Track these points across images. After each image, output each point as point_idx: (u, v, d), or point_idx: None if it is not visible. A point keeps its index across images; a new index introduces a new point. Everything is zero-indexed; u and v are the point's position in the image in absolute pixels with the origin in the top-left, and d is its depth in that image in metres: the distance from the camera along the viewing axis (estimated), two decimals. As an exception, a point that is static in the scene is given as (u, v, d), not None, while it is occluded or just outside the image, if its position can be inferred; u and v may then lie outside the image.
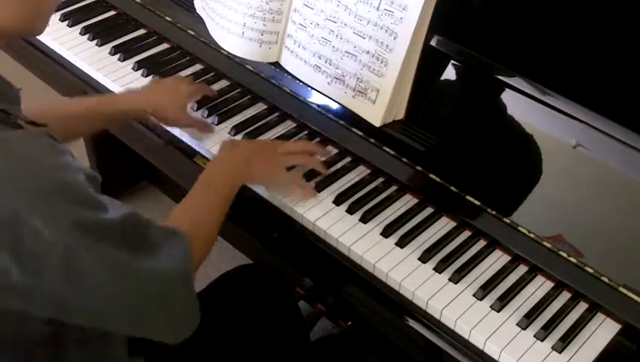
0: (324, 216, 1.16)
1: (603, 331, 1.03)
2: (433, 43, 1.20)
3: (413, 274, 1.08)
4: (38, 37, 1.51)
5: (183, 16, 1.50)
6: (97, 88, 1.45)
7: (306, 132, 1.33)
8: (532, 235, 1.09)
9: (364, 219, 1.16)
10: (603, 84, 1.13)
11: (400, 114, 1.24)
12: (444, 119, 1.25)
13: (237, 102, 1.38)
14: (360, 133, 1.26)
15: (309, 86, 1.32)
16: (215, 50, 1.42)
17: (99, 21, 1.58)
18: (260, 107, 1.38)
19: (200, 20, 1.45)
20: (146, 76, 1.44)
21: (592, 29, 1.16)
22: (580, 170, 1.11)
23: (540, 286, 1.08)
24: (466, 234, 1.15)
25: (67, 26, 1.56)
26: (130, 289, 0.82)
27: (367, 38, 1.22)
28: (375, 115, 1.23)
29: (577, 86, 1.13)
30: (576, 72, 1.16)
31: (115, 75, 1.44)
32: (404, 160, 1.21)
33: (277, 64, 1.36)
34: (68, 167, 0.79)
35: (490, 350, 1.00)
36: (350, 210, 1.17)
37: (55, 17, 1.56)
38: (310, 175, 1.23)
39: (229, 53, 1.39)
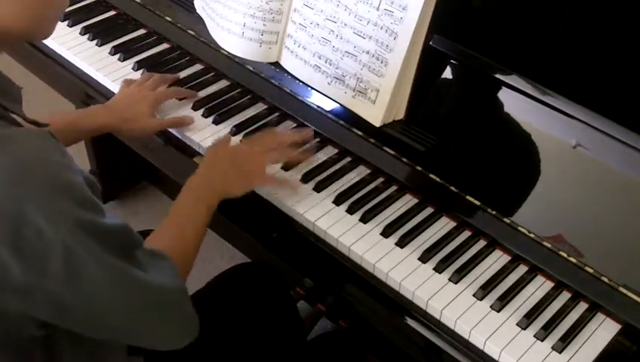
0: (324, 216, 1.16)
1: (603, 331, 1.03)
2: (433, 43, 1.20)
3: (413, 274, 1.08)
4: (38, 37, 1.51)
5: (183, 16, 1.50)
6: (97, 88, 1.44)
7: (306, 132, 1.33)
8: (532, 235, 1.09)
9: (364, 219, 1.16)
10: (603, 84, 1.13)
11: (400, 114, 1.24)
12: (444, 119, 1.25)
13: (237, 102, 1.38)
14: (360, 133, 1.26)
15: (309, 86, 1.32)
16: (215, 50, 1.42)
17: (99, 21, 1.58)
18: (259, 107, 1.38)
19: (200, 20, 1.45)
20: (146, 76, 1.44)
21: (591, 28, 1.16)
22: (580, 170, 1.11)
23: (540, 286, 1.08)
24: (466, 234, 1.15)
25: (67, 25, 1.55)
26: (128, 296, 0.81)
27: (367, 38, 1.22)
28: (375, 114, 1.23)
29: (577, 86, 1.13)
30: (576, 72, 1.16)
31: (115, 75, 1.44)
32: (404, 160, 1.21)
33: (277, 64, 1.36)
34: (70, 168, 0.79)
35: (490, 350, 1.00)
36: (350, 210, 1.17)
37: (55, 17, 1.56)
38: (310, 174, 1.23)
39: (229, 53, 1.39)
